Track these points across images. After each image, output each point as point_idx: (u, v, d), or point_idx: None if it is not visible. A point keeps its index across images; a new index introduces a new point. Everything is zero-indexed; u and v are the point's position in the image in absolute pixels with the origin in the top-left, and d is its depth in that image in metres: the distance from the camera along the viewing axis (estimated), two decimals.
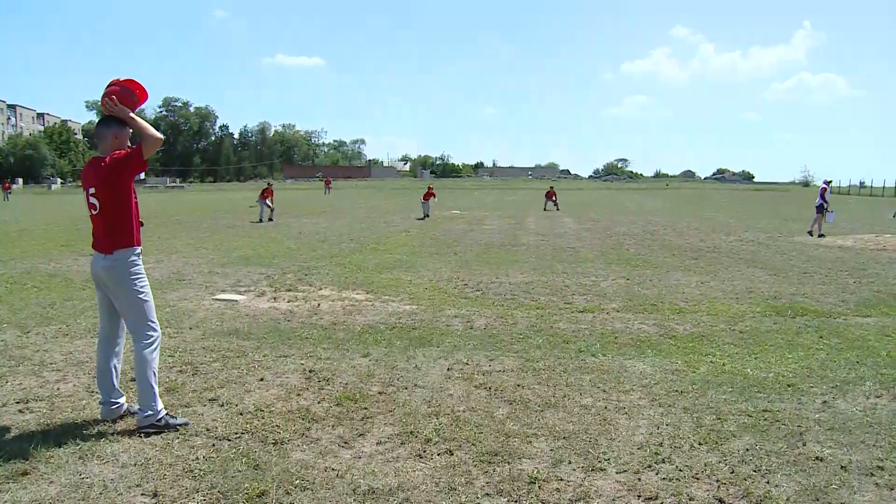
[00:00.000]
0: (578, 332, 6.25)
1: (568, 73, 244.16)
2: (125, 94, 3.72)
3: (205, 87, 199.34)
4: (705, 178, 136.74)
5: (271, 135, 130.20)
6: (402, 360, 5.19)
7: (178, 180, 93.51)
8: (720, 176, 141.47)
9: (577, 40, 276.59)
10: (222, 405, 4.18)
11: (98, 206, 3.70)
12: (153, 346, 3.77)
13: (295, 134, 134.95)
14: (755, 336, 6.12)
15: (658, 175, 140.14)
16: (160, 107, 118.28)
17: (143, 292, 3.74)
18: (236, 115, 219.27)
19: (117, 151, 3.68)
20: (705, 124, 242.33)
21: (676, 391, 4.51)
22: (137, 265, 3.75)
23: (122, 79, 3.80)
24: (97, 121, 3.92)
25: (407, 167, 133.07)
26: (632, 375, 4.87)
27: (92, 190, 3.70)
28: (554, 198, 30.45)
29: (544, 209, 29.24)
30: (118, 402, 3.91)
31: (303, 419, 3.95)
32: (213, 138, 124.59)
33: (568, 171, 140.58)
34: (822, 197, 17.59)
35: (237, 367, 4.98)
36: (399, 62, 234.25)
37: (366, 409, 4.13)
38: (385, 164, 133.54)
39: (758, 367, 5.09)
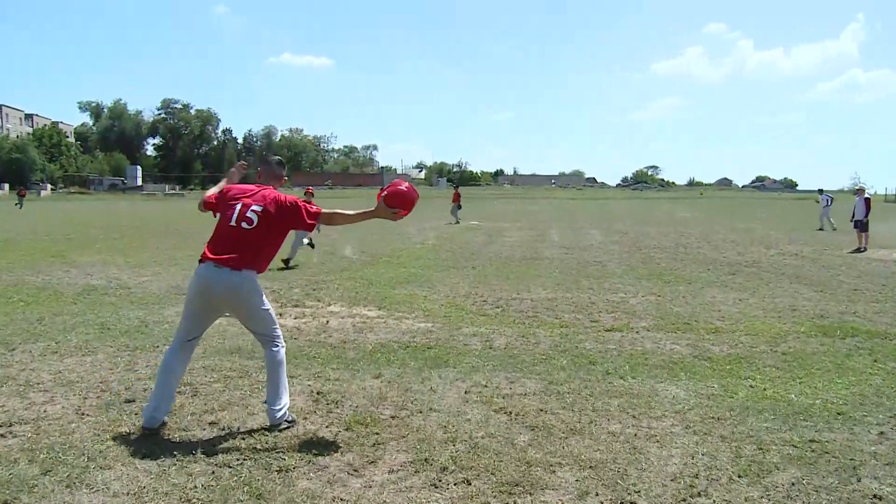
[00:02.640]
0: (606, 352, 6.22)
1: (593, 74, 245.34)
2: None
3: (206, 89, 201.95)
4: (743, 187, 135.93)
5: (277, 140, 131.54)
6: (416, 382, 5.20)
7: (177, 187, 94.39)
8: (760, 184, 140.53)
9: (602, 39, 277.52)
10: (223, 429, 4.20)
11: (256, 223, 4.14)
12: (283, 348, 4.34)
13: (303, 139, 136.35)
14: (800, 358, 6.04)
15: (692, 183, 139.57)
16: (158, 109, 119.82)
17: (267, 304, 4.27)
18: (240, 118, 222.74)
19: (302, 201, 4.28)
20: (743, 128, 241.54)
21: (713, 418, 4.47)
22: (258, 283, 4.24)
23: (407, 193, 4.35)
24: (278, 160, 4.61)
25: (422, 175, 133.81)
26: (663, 400, 4.84)
27: (257, 207, 4.18)
28: (458, 201, 27.56)
29: (456, 221, 26.37)
30: (165, 414, 4.20)
31: (309, 445, 3.96)
32: (215, 143, 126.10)
33: (594, 179, 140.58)
34: (867, 206, 17.31)
35: (240, 389, 5.01)
36: (413, 63, 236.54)
37: (377, 434, 4.13)
38: (399, 172, 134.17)
39: (803, 393, 5.02)
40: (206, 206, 4.48)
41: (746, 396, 4.93)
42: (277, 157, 4.67)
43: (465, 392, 4.98)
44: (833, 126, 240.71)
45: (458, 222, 26.03)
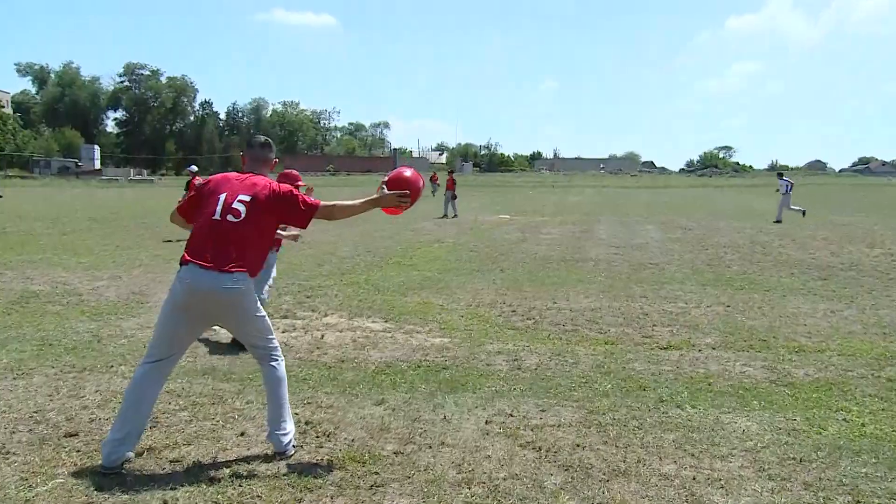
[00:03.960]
0: (660, 375, 6.20)
1: (652, 34, 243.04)
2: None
3: (181, 52, 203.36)
4: (841, 171, 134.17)
5: (268, 115, 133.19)
6: (426, 410, 5.22)
7: (145, 172, 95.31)
8: (863, 167, 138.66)
9: None
10: (188, 469, 4.21)
11: (244, 215, 4.23)
12: (283, 362, 4.54)
13: (299, 115, 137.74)
14: None
15: (774, 168, 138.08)
16: (121, 76, 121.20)
17: (262, 311, 4.42)
18: (223, 89, 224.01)
19: (295, 192, 4.43)
20: (842, 98, 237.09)
21: (794, 459, 4.42)
22: (252, 286, 4.34)
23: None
24: (263, 140, 4.71)
25: (443, 158, 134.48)
26: (731, 435, 4.79)
27: (245, 197, 4.28)
28: (453, 188, 27.65)
29: (453, 215, 26.36)
30: (131, 449, 4.21)
31: (294, 488, 3.96)
32: (191, 119, 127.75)
33: (653, 163, 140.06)
34: None
35: (211, 418, 5.04)
36: (433, 22, 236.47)
37: (377, 474, 4.14)
38: (416, 155, 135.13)
39: None
40: (180, 213, 4.57)
41: (839, 433, 4.86)
42: (262, 138, 4.75)
43: (486, 422, 4.99)
44: None
45: (455, 216, 26.11)
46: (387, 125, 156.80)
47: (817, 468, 4.30)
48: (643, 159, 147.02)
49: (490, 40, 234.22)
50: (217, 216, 4.22)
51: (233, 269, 4.13)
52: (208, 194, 4.36)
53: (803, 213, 25.53)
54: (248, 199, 4.25)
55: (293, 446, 4.42)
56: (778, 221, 24.49)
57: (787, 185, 25.90)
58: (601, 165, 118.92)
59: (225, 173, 4.57)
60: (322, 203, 4.43)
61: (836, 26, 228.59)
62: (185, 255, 4.20)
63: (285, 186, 4.40)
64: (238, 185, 4.34)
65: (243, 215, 4.21)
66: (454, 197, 27.51)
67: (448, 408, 5.28)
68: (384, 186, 4.59)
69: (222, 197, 4.27)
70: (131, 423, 4.18)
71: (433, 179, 45.39)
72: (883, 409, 5.37)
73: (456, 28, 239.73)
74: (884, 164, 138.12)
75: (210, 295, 4.13)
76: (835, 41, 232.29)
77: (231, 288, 4.13)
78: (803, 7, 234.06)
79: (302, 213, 4.37)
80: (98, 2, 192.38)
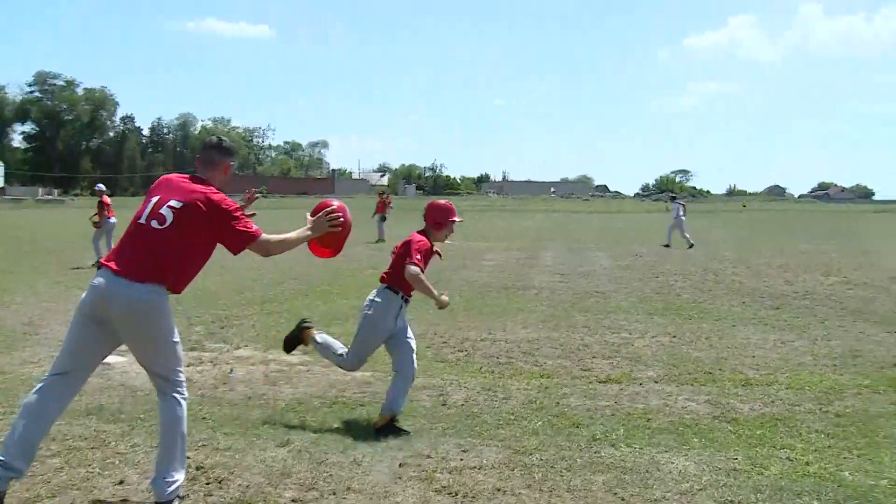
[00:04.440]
0: (595, 411, 6.20)
1: (607, 51, 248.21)
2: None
3: (101, 63, 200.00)
4: (801, 197, 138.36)
5: (196, 132, 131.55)
6: (335, 452, 5.12)
7: (55, 191, 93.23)
8: (822, 193, 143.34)
9: (621, 6, 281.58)
10: None
11: (169, 222, 4.06)
12: (186, 400, 4.28)
13: (230, 132, 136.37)
14: (860, 422, 6.02)
15: (732, 192, 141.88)
16: (31, 85, 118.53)
17: (176, 336, 4.22)
18: (146, 103, 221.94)
19: (239, 212, 4.29)
20: (804, 122, 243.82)
21: (731, 502, 4.40)
22: (167, 304, 4.16)
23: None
24: (215, 141, 4.51)
25: (385, 180, 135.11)
26: (666, 477, 4.76)
27: (176, 203, 4.10)
28: (384, 211, 27.99)
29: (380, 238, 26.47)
30: (16, 474, 3.99)
31: None
32: (111, 134, 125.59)
33: (605, 187, 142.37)
34: None
35: (87, 465, 4.82)
36: (377, 35, 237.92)
37: None
38: (356, 177, 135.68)
39: (861, 470, 4.97)
40: None
41: (781, 473, 4.87)
42: (215, 138, 4.60)
43: (400, 465, 4.91)
44: None
45: (382, 240, 26.20)
46: (325, 144, 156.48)
47: None
48: (596, 183, 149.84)
49: (436, 57, 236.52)
50: (143, 220, 4.11)
51: (146, 280, 3.98)
52: (147, 195, 4.27)
53: (691, 245, 24.47)
54: (178, 205, 4.10)
55: (178, 496, 4.16)
56: (667, 246, 25.00)
57: (678, 209, 26.23)
58: (552, 189, 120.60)
59: (170, 174, 4.48)
60: (263, 235, 4.28)
61: (799, 46, 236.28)
62: (103, 258, 4.09)
63: (229, 201, 4.22)
64: (175, 188, 4.21)
65: (168, 222, 4.06)
66: (384, 219, 27.70)
67: (360, 449, 5.17)
68: (308, 216, 4.60)
69: (154, 199, 4.16)
70: (20, 440, 3.96)
71: (386, 202, 45.14)
72: (828, 447, 5.40)
73: (401, 43, 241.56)
74: (843, 189, 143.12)
75: (115, 304, 3.96)
76: (795, 60, 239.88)
77: (139, 299, 3.97)
78: (763, 25, 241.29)
79: (236, 236, 4.21)
80: (6, 1, 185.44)
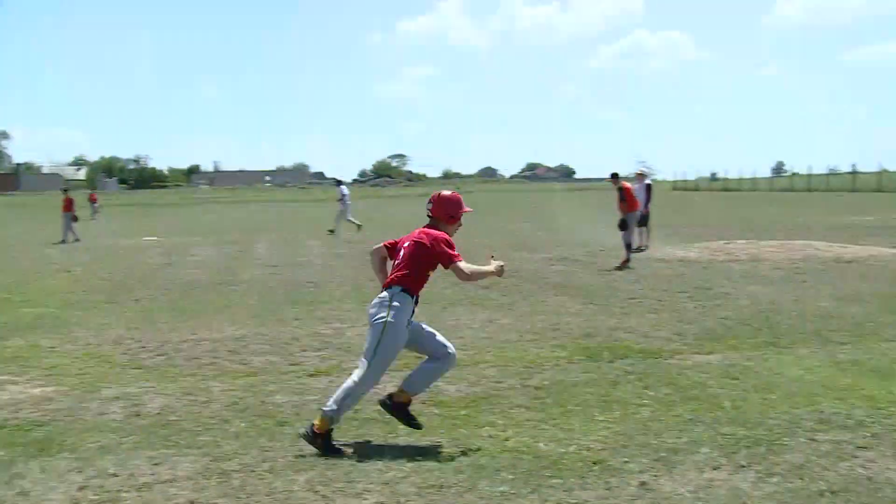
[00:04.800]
0: (302, 407, 6.20)
1: (321, 34, 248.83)
2: None
3: None
4: (512, 177, 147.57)
5: None
6: None
7: None
8: (531, 173, 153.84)
9: None
10: None
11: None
12: None
13: None
14: (556, 393, 6.45)
15: (447, 175, 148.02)
16: None
17: None
18: None
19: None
20: (512, 104, 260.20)
21: (433, 486, 4.52)
22: None
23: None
24: None
25: (82, 174, 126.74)
26: (369, 469, 4.81)
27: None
28: (72, 209, 26.65)
29: (75, 239, 25.50)
30: None
31: None
32: None
33: (322, 174, 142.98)
34: (648, 195, 19.24)
35: None
36: (73, 12, 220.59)
37: None
38: (46, 171, 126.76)
39: (555, 439, 5.29)
40: None
41: (482, 451, 5.07)
42: None
43: (79, 489, 4.61)
44: (613, 98, 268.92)
45: (76, 240, 25.13)
46: (5, 135, 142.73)
47: (455, 493, 4.44)
48: (313, 170, 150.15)
49: (146, 35, 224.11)
50: None
51: None
52: None
53: (359, 226, 25.69)
54: None
55: None
56: (331, 231, 25.39)
57: (343, 194, 26.48)
58: (266, 178, 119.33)
59: None
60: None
61: (504, 33, 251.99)
62: None
63: None
64: None
65: None
66: (74, 219, 26.23)
67: (30, 477, 4.80)
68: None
69: None
70: None
71: (92, 199, 44.83)
72: (527, 420, 5.75)
73: (97, 23, 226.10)
74: (549, 169, 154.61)
75: None
76: (502, 47, 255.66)
77: None
78: (470, 12, 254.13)
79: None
80: None
